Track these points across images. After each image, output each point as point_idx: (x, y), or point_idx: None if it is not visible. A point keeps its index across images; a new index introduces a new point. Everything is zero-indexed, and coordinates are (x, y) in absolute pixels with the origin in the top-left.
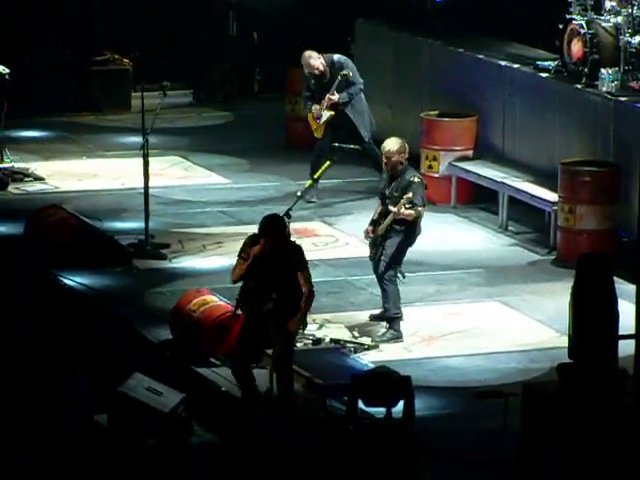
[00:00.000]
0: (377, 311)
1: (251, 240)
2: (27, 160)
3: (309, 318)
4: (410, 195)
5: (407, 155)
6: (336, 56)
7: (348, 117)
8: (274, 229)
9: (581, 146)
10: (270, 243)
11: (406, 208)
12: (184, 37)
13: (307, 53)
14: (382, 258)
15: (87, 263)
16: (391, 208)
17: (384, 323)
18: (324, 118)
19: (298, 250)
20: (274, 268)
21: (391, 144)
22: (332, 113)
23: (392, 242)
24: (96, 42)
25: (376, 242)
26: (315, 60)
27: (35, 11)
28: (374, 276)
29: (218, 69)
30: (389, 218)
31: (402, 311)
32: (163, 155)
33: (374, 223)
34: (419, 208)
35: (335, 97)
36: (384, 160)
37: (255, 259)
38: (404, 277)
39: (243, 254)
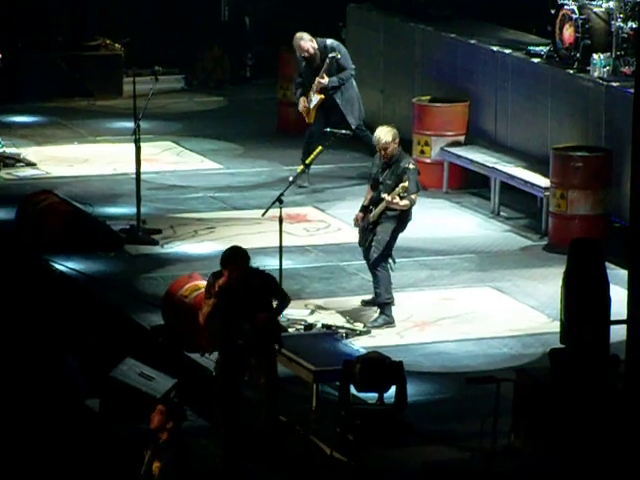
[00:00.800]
0: (369, 296)
1: (214, 277)
2: (19, 145)
3: (302, 303)
4: (406, 184)
5: (398, 139)
6: (329, 41)
7: (337, 104)
8: (237, 260)
9: (573, 131)
10: (235, 275)
11: (401, 197)
12: (176, 22)
13: (298, 35)
14: (373, 244)
15: (79, 248)
16: (384, 196)
17: (376, 308)
18: (314, 102)
19: (270, 277)
20: (244, 298)
21: (385, 134)
22: (322, 97)
23: (383, 228)
24: (88, 27)
25: (367, 228)
26: (306, 42)
27: None
28: (364, 262)
29: (210, 54)
30: (382, 205)
31: (394, 296)
32: (155, 140)
33: (364, 209)
34: (412, 196)
35: (325, 80)
36: (381, 152)
37: (222, 291)
38: (395, 263)
39: (207, 294)
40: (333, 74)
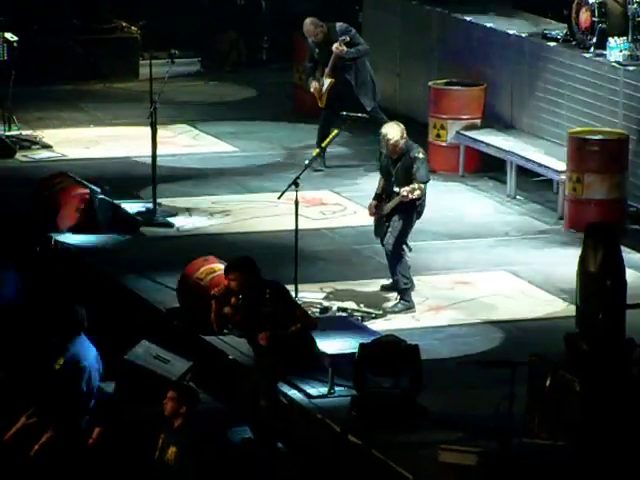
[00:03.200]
0: (385, 280)
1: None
2: (35, 128)
3: (317, 287)
4: (415, 186)
5: (405, 134)
6: (338, 24)
7: (351, 86)
8: (237, 270)
9: (589, 115)
10: (233, 285)
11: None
12: (192, 5)
13: (308, 20)
14: (389, 231)
15: (94, 231)
16: (398, 190)
17: (394, 294)
18: (325, 86)
19: (279, 296)
20: (249, 313)
21: (393, 132)
22: (332, 80)
23: (399, 216)
24: (104, 10)
25: (381, 219)
26: (315, 27)
27: None
28: (380, 245)
29: (226, 37)
30: (396, 199)
31: (413, 281)
32: (171, 123)
33: (378, 197)
34: (422, 185)
35: (342, 48)
36: (390, 149)
37: (221, 297)
38: (410, 250)
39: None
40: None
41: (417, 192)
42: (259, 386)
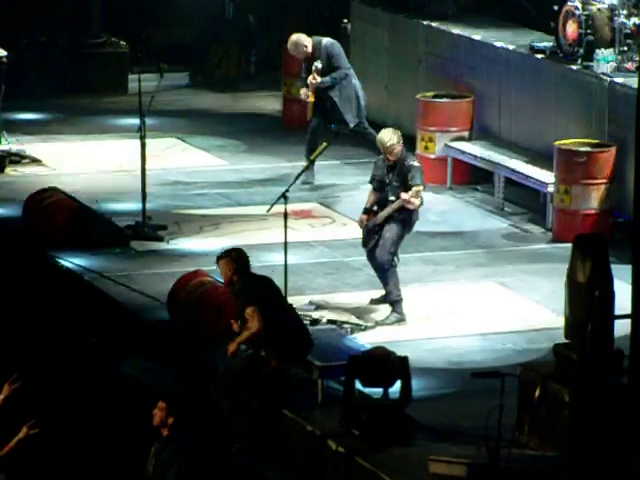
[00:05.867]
0: (375, 292)
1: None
2: (24, 142)
3: (306, 299)
4: (420, 188)
5: (401, 140)
6: (324, 40)
7: (335, 103)
8: (224, 257)
9: (576, 127)
10: (222, 271)
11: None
12: (181, 19)
13: (293, 37)
14: (380, 243)
15: (84, 245)
16: (392, 198)
17: (383, 306)
18: (309, 102)
19: (241, 287)
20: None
21: (389, 137)
22: (312, 100)
23: (391, 227)
24: (93, 24)
25: (372, 230)
26: (296, 47)
27: None
28: (369, 262)
29: (215, 51)
30: (393, 206)
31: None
32: (160, 137)
33: (367, 212)
34: (422, 194)
35: (317, 80)
36: (387, 155)
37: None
38: (398, 260)
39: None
40: (326, 74)
41: (418, 201)
42: (224, 389)
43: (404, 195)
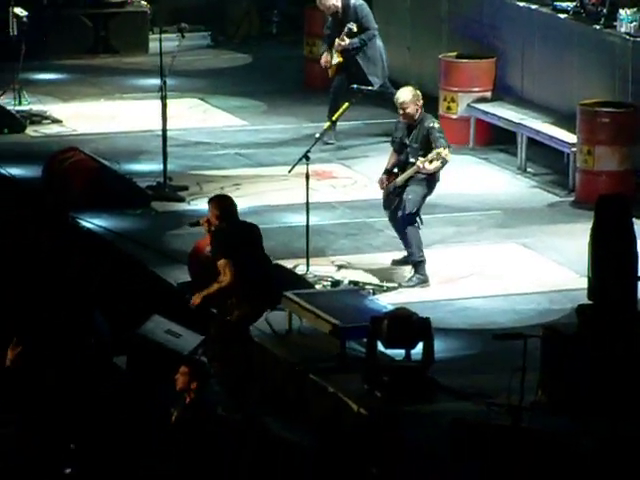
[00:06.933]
0: (397, 253)
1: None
2: (45, 102)
3: (328, 260)
4: (440, 150)
5: (422, 102)
6: (353, 0)
7: (360, 64)
8: (210, 203)
9: (600, 87)
10: (210, 213)
11: (430, 162)
12: None
13: None
14: (402, 205)
15: (105, 205)
16: (414, 161)
17: (405, 267)
18: (333, 62)
19: (218, 234)
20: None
21: (405, 94)
22: (340, 60)
23: (413, 189)
24: None
25: (393, 192)
26: (328, 1)
27: None
28: (390, 224)
29: (236, 11)
30: (411, 170)
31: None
32: (181, 97)
33: (388, 173)
34: (444, 154)
35: (345, 42)
36: (400, 111)
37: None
38: (422, 223)
39: None
40: (354, 35)
41: (435, 164)
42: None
43: (419, 162)
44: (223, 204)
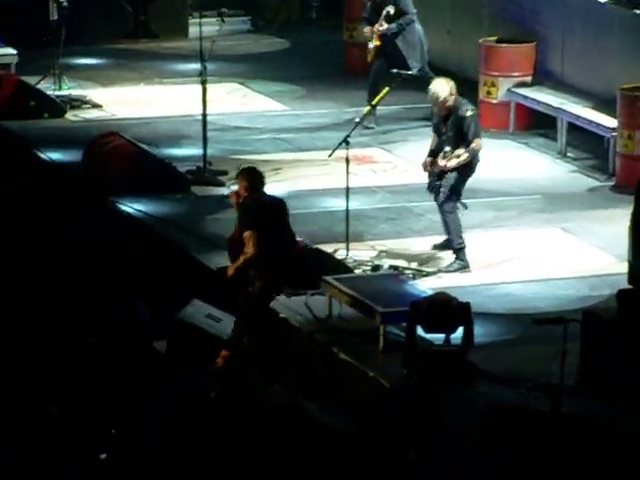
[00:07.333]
0: (437, 238)
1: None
2: (85, 87)
3: (368, 245)
4: (459, 151)
5: (455, 89)
6: None
7: (399, 48)
8: (239, 175)
9: None
10: (239, 186)
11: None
12: None
13: None
14: (441, 190)
15: (145, 190)
16: (448, 148)
17: (446, 252)
18: (371, 46)
19: (245, 205)
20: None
21: (440, 90)
22: (377, 44)
23: (449, 176)
24: None
25: (435, 174)
26: None
27: None
28: (432, 203)
29: None
30: (440, 164)
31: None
32: (221, 82)
33: (432, 154)
34: (473, 144)
35: (383, 27)
36: (438, 106)
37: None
38: (466, 208)
39: None
40: (393, 19)
41: (458, 160)
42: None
43: (440, 162)
44: (252, 176)
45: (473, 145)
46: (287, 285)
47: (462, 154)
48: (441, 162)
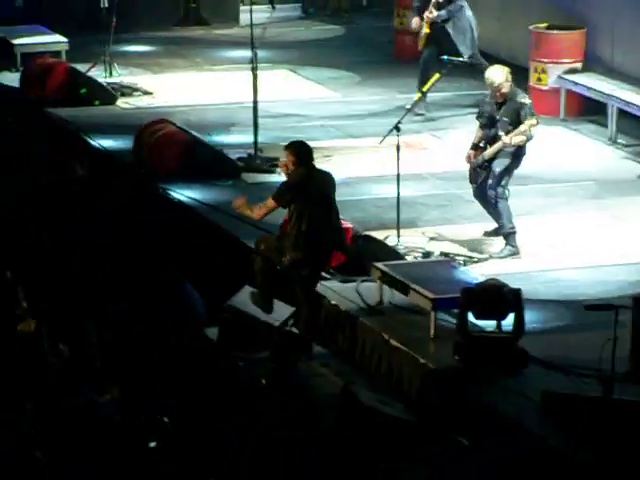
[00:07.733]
0: (487, 224)
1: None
2: (135, 74)
3: (419, 231)
4: (527, 123)
5: (511, 76)
6: None
7: (449, 35)
8: (287, 148)
9: None
10: (287, 159)
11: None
12: None
13: None
14: (490, 178)
15: (196, 177)
16: (502, 134)
17: (496, 238)
18: (422, 33)
19: (288, 178)
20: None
21: (497, 76)
22: (428, 31)
23: (501, 161)
24: None
25: (480, 166)
26: None
27: None
28: (475, 199)
29: None
30: (498, 145)
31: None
32: (272, 69)
33: (475, 147)
34: (533, 122)
35: (433, 14)
36: (496, 93)
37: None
38: (509, 193)
39: None
40: (444, 6)
41: (520, 138)
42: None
43: (504, 138)
44: (299, 149)
45: (530, 129)
46: (325, 269)
47: (520, 136)
48: (505, 139)
